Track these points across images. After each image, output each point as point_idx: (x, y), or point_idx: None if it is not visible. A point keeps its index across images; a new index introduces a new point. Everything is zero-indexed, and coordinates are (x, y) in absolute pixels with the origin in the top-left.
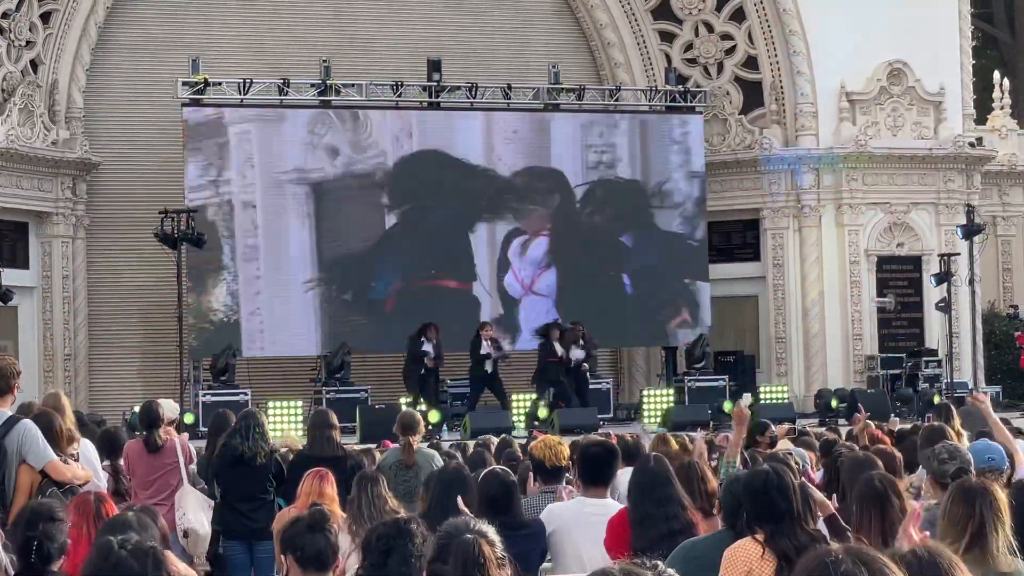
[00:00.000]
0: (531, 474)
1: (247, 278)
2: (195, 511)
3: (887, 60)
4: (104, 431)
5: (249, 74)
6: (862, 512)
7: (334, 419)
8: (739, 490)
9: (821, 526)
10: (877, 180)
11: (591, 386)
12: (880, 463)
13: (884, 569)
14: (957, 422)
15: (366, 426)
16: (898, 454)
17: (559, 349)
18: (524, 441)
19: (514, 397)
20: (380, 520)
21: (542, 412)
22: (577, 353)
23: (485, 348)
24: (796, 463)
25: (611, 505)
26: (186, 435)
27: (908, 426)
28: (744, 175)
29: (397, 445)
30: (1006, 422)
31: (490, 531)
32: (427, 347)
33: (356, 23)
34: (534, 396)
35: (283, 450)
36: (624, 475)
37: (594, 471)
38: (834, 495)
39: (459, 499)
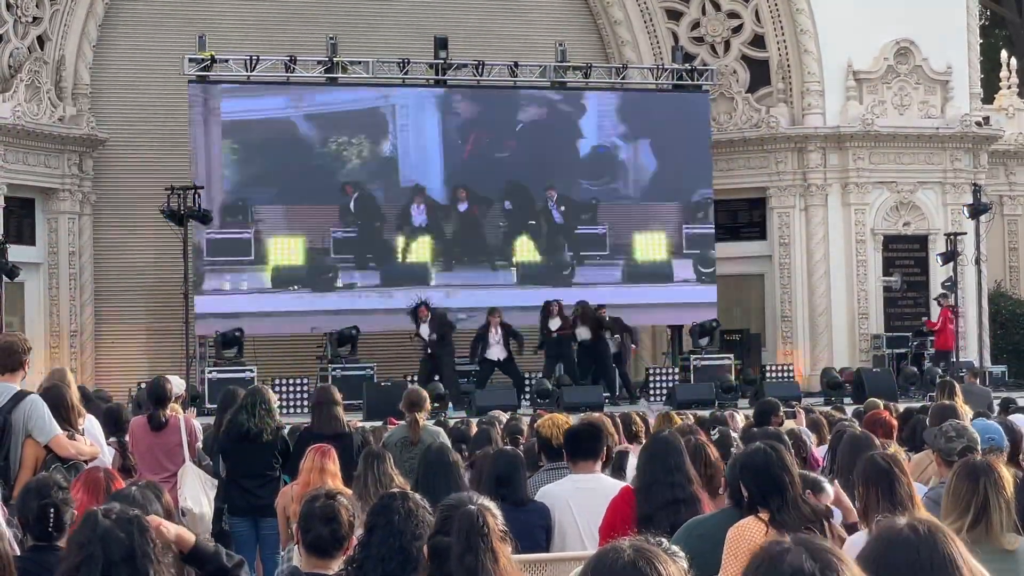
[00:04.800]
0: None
1: None
2: (192, 490)
3: (894, 39)
4: (108, 407)
5: (255, 51)
6: (868, 491)
7: (338, 396)
8: (738, 471)
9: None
10: (884, 159)
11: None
12: (877, 442)
13: (835, 562)
14: (960, 399)
15: (372, 403)
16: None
17: (552, 324)
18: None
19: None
20: None
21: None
22: (583, 332)
23: (494, 336)
24: (803, 441)
25: (603, 479)
26: (193, 410)
27: (917, 405)
28: (751, 154)
29: (403, 422)
30: (1011, 401)
31: (493, 506)
32: (423, 329)
33: (363, 0)
34: (540, 374)
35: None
36: (633, 458)
37: (577, 446)
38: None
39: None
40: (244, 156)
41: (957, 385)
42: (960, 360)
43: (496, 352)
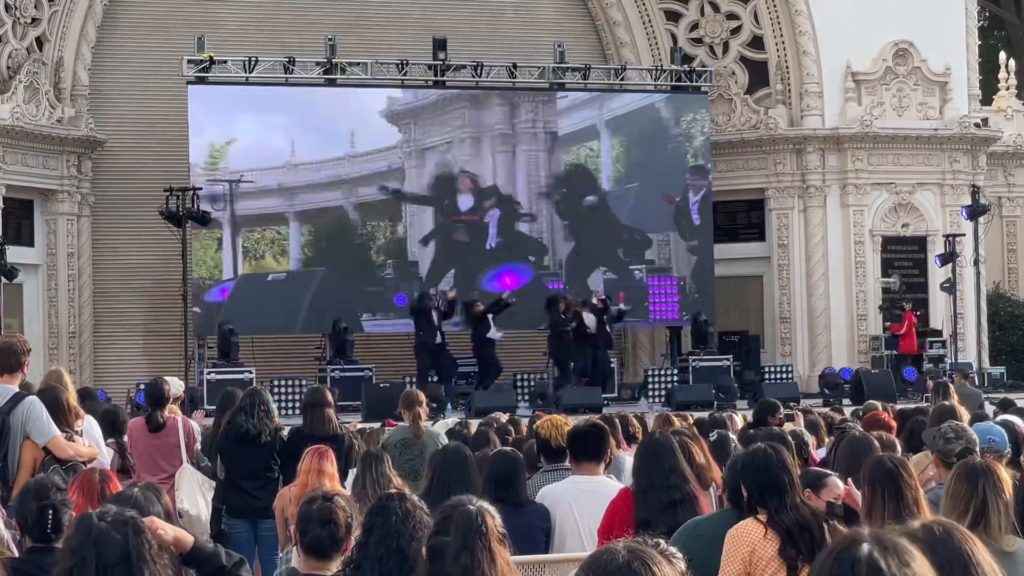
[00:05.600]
0: None
1: None
2: (190, 492)
3: (893, 40)
4: (104, 409)
5: (254, 52)
6: (874, 493)
7: (329, 398)
8: (738, 470)
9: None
10: (882, 160)
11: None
12: (877, 444)
13: (908, 556)
14: (955, 400)
15: (370, 404)
16: (896, 440)
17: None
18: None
19: (519, 375)
20: None
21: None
22: (589, 318)
23: (492, 330)
24: (804, 443)
25: (604, 482)
26: (202, 413)
27: (911, 406)
28: (749, 155)
29: (402, 424)
30: (1010, 402)
31: (492, 508)
32: (434, 316)
33: (361, 1)
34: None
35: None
36: (629, 457)
37: (581, 446)
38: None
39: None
40: None
41: (952, 386)
42: (959, 361)
43: (495, 332)
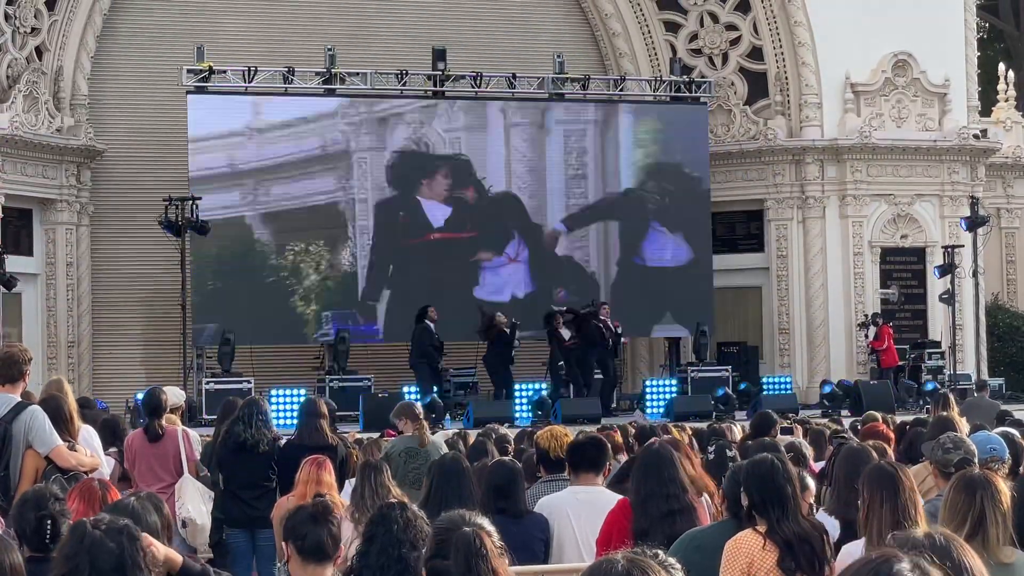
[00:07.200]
0: None
1: None
2: (194, 501)
3: (892, 51)
4: (104, 419)
5: (254, 62)
6: (872, 497)
7: (324, 408)
8: (742, 479)
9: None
10: (881, 172)
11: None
12: (875, 455)
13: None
14: (955, 411)
15: (369, 414)
16: (889, 449)
17: (566, 334)
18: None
19: (517, 386)
20: None
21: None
22: (564, 332)
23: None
24: (803, 455)
25: (603, 492)
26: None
27: (910, 418)
28: (748, 166)
29: (403, 434)
30: (1007, 414)
31: (486, 523)
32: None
33: (361, 11)
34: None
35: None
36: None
37: (580, 457)
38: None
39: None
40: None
41: (952, 397)
42: (957, 373)
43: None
